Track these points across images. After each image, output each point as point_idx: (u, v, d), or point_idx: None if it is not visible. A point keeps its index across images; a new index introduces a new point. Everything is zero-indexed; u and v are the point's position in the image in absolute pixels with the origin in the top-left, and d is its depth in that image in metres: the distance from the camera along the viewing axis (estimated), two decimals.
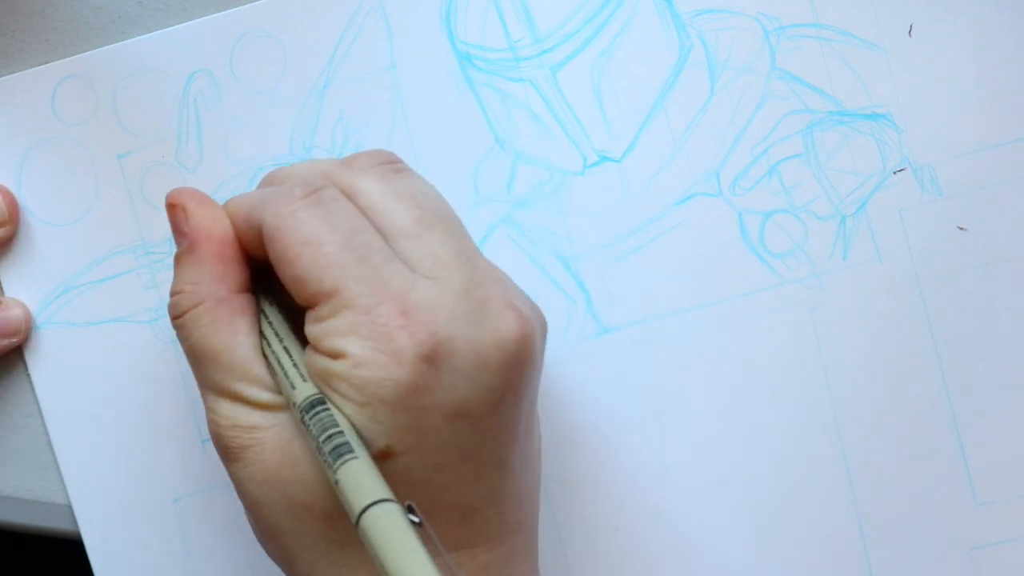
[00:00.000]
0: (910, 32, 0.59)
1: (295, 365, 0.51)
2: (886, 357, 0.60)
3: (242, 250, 0.54)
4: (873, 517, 0.60)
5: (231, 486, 0.60)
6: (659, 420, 0.60)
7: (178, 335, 0.54)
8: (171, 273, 0.60)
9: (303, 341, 0.52)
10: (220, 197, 0.60)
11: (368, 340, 0.49)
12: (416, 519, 0.47)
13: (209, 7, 0.60)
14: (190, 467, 0.61)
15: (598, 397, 0.60)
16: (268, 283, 0.54)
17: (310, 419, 0.49)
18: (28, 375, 0.61)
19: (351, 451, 0.48)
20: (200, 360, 0.53)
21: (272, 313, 0.54)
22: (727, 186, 0.60)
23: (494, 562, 0.52)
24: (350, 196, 0.52)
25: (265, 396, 0.52)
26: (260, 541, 0.54)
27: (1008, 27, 0.59)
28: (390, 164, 0.54)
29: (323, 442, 0.49)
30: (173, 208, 0.55)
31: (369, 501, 0.47)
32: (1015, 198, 0.59)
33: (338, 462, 0.48)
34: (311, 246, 0.51)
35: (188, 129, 0.60)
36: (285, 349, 0.52)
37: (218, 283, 0.53)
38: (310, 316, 0.51)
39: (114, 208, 0.61)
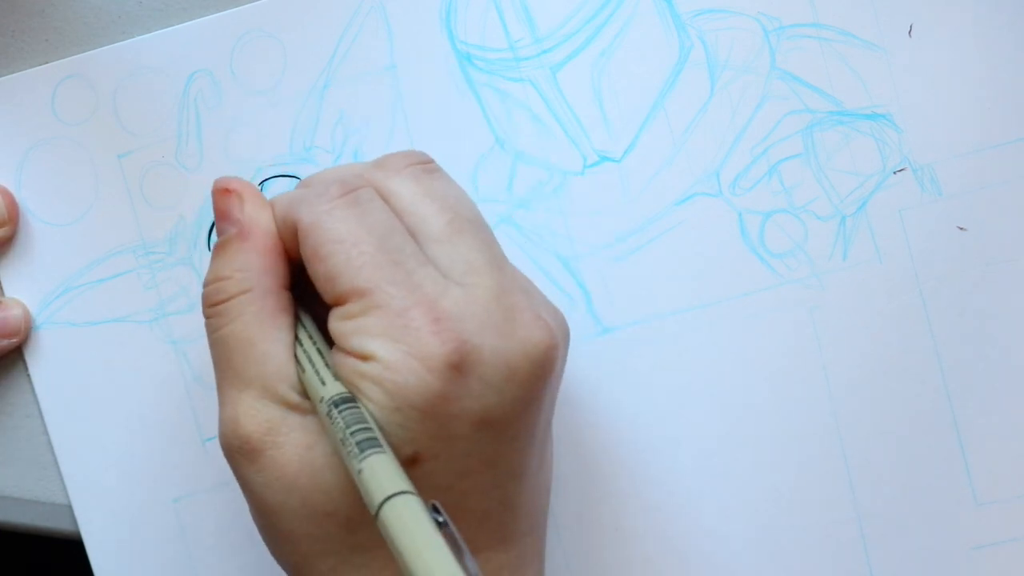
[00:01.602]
0: (910, 32, 0.59)
1: (326, 364, 0.51)
2: (886, 357, 0.60)
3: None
4: (873, 517, 0.60)
5: (231, 486, 0.60)
6: (659, 420, 0.60)
7: (213, 322, 0.53)
8: (171, 273, 0.60)
9: (330, 343, 0.52)
10: None
11: (400, 344, 0.49)
12: (440, 519, 0.47)
13: (209, 7, 0.60)
14: (190, 467, 0.61)
15: (598, 397, 0.60)
16: (299, 285, 0.54)
17: (338, 413, 0.49)
18: (28, 375, 0.61)
19: (378, 445, 0.48)
20: (234, 349, 0.52)
21: (303, 314, 0.53)
22: (727, 186, 0.60)
23: (507, 564, 0.53)
24: (384, 197, 0.52)
25: (293, 397, 0.52)
26: (270, 546, 0.54)
27: (1008, 27, 0.59)
28: (422, 164, 0.54)
29: (350, 435, 0.48)
30: (227, 194, 0.54)
31: (390, 492, 0.47)
32: (1015, 198, 0.59)
33: (363, 454, 0.48)
34: (346, 244, 0.51)
35: (188, 129, 0.60)
36: (318, 350, 0.52)
37: (267, 275, 0.53)
38: (337, 313, 0.51)
39: (114, 208, 0.61)
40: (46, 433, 0.61)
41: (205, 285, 0.54)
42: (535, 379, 0.51)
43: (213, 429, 0.60)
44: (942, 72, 0.59)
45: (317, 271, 0.51)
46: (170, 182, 0.60)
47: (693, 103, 0.60)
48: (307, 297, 0.53)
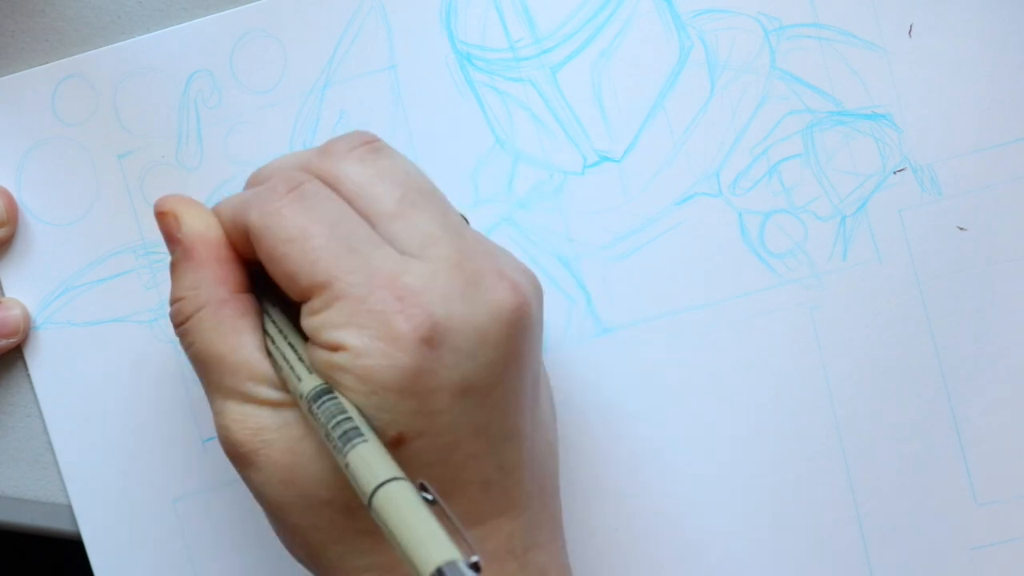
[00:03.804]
0: (910, 32, 0.59)
1: (300, 359, 0.51)
2: (886, 357, 0.60)
3: (236, 252, 0.54)
4: (873, 517, 0.60)
5: (231, 486, 0.60)
6: (659, 420, 0.60)
7: (182, 342, 0.54)
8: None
9: (304, 337, 0.52)
10: (220, 197, 0.60)
11: (366, 329, 0.50)
12: (430, 497, 0.47)
13: (209, 7, 0.60)
14: (190, 467, 0.61)
15: (598, 397, 0.60)
16: (266, 282, 0.54)
17: (318, 408, 0.50)
18: (28, 375, 0.61)
19: (360, 435, 0.48)
20: (206, 364, 0.53)
21: (273, 311, 0.54)
22: (727, 186, 0.60)
23: (518, 530, 0.53)
24: (332, 184, 0.52)
25: (273, 394, 0.52)
26: (283, 541, 0.54)
27: (1008, 27, 0.59)
28: (367, 145, 0.54)
29: (332, 428, 0.49)
30: (164, 216, 0.55)
31: (379, 481, 0.47)
32: (1015, 198, 0.59)
33: (347, 446, 0.48)
34: (298, 241, 0.51)
35: (188, 129, 0.60)
36: (290, 345, 0.52)
37: (218, 286, 0.53)
38: (305, 310, 0.51)
39: (114, 208, 0.61)
40: (46, 433, 0.61)
41: (169, 307, 0.54)
42: (508, 339, 0.51)
43: (213, 429, 0.60)
44: (942, 72, 0.59)
45: (276, 272, 0.52)
46: (170, 182, 0.60)
47: (693, 103, 0.60)
48: (277, 291, 0.53)
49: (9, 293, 0.61)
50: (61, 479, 0.61)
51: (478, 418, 0.51)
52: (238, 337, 0.53)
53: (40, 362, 0.61)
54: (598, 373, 0.60)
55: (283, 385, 0.52)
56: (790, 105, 0.59)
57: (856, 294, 0.60)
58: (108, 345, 0.61)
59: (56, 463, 0.61)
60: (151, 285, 0.61)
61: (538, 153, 0.60)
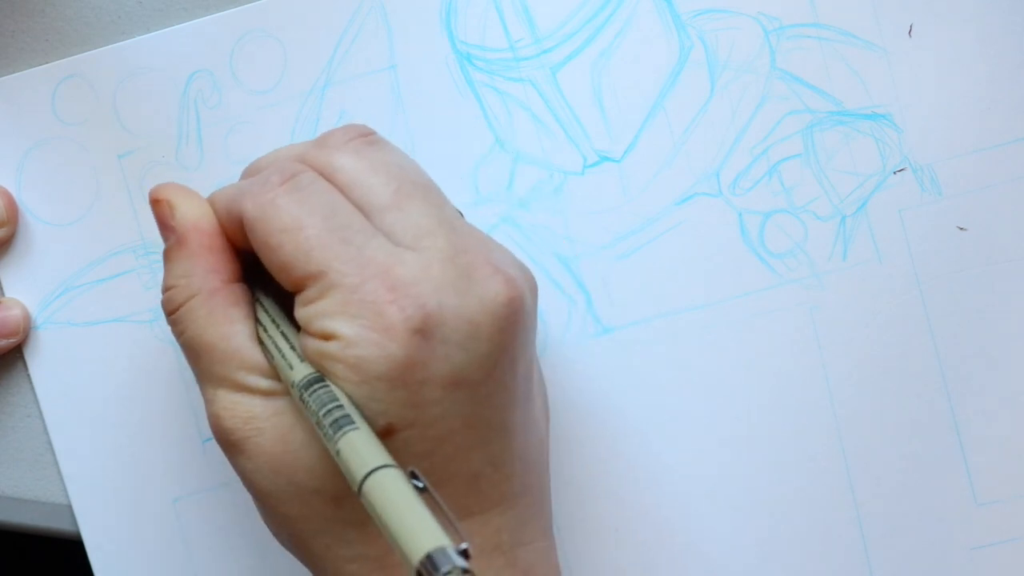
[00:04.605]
0: (910, 32, 0.59)
1: (292, 348, 0.52)
2: (886, 357, 0.60)
3: (229, 241, 0.54)
4: (873, 517, 0.60)
5: (231, 486, 0.60)
6: (659, 420, 0.60)
7: (173, 330, 0.54)
8: None
9: (297, 326, 0.52)
10: None
11: (358, 319, 0.50)
12: (420, 485, 0.48)
13: (209, 7, 0.60)
14: (190, 467, 0.61)
15: (598, 397, 0.60)
16: (260, 272, 0.54)
17: (309, 396, 0.50)
18: (28, 375, 0.61)
19: (351, 422, 0.49)
20: (198, 352, 0.53)
21: (266, 300, 0.54)
22: (727, 186, 0.60)
23: (506, 525, 0.53)
24: (327, 176, 0.53)
25: (264, 383, 0.52)
26: (271, 529, 0.54)
27: (1008, 27, 0.59)
28: (363, 137, 0.54)
29: (323, 416, 0.49)
30: (158, 203, 0.55)
31: (369, 468, 0.47)
32: (1015, 198, 0.59)
33: (338, 434, 0.48)
34: (292, 231, 0.51)
35: (188, 129, 0.60)
36: (282, 334, 0.52)
37: (211, 274, 0.53)
38: (298, 300, 0.51)
39: (114, 208, 0.61)
40: (46, 433, 0.61)
41: (161, 294, 0.54)
42: (500, 332, 0.51)
43: None
44: (942, 72, 0.59)
45: (270, 262, 0.52)
46: (170, 182, 0.60)
47: (693, 103, 0.60)
48: (271, 281, 0.53)
49: (9, 293, 0.61)
50: (61, 479, 0.61)
51: (468, 410, 0.51)
52: (230, 326, 0.53)
53: (40, 362, 0.61)
54: (598, 373, 0.60)
55: (274, 374, 0.52)
56: (790, 105, 0.59)
57: (856, 294, 0.60)
58: (108, 345, 0.61)
59: (56, 463, 0.61)
60: (151, 285, 0.61)
61: (538, 153, 0.60)
